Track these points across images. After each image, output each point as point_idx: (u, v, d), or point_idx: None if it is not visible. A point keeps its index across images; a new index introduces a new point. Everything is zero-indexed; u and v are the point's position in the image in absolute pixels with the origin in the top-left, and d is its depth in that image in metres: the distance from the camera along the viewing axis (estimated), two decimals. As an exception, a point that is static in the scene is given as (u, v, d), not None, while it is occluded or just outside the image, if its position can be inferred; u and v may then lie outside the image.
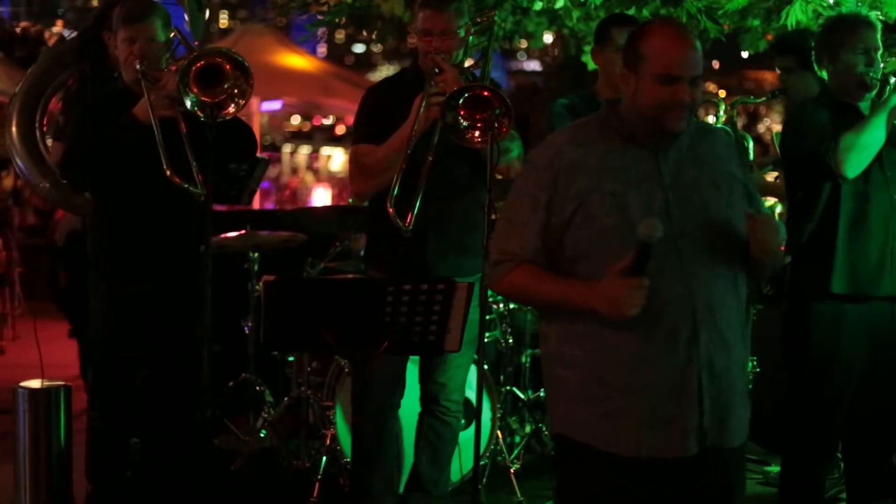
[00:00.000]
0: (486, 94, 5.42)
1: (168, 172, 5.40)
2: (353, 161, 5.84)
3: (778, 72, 7.08)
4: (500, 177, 5.71)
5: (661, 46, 3.78)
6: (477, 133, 5.41)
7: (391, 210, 5.38)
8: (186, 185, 5.42)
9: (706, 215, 3.81)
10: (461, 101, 5.39)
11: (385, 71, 40.88)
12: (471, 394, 6.28)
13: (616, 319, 3.66)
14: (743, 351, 3.94)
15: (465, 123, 5.41)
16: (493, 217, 5.25)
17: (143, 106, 5.57)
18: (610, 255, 3.70)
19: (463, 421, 6.21)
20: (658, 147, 3.84)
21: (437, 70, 5.56)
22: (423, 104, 5.46)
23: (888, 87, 5.48)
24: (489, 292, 6.45)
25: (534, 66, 36.16)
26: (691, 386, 3.76)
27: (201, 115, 5.50)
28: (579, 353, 3.83)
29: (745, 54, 8.69)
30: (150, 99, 5.52)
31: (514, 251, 3.86)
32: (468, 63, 6.01)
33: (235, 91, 5.59)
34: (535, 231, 3.83)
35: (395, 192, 5.40)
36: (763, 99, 8.29)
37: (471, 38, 5.90)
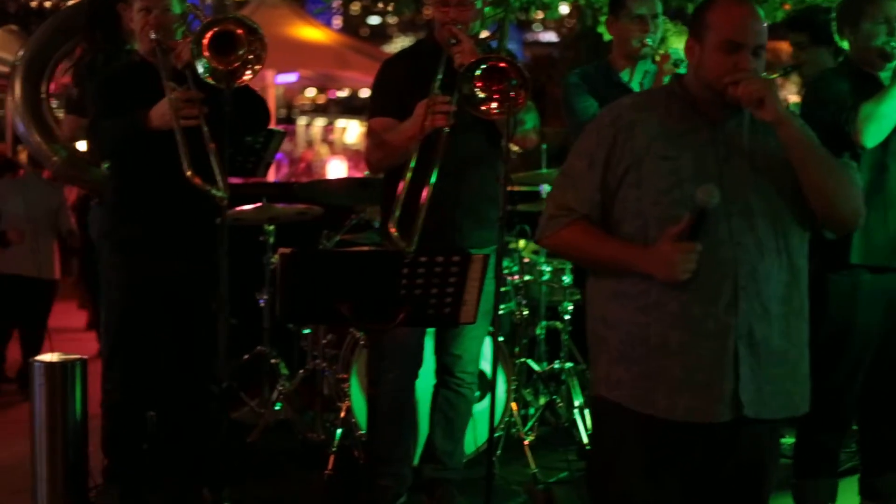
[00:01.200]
0: (503, 65, 5.40)
1: (189, 174, 5.40)
2: (369, 135, 5.82)
3: (792, 47, 7.03)
4: (515, 148, 5.69)
5: (726, 14, 3.85)
6: (494, 105, 5.40)
7: (393, 231, 5.34)
8: (208, 188, 5.43)
9: (758, 187, 3.84)
10: (478, 72, 5.36)
11: (400, 43, 40.72)
12: (486, 366, 6.28)
13: (668, 282, 3.74)
14: (796, 324, 3.92)
15: (482, 95, 5.39)
16: (510, 189, 5.25)
17: (161, 112, 5.55)
18: (659, 217, 3.78)
19: (478, 393, 6.21)
20: (717, 118, 3.89)
21: (453, 41, 5.53)
22: (428, 111, 5.42)
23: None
24: (505, 263, 6.46)
25: (550, 37, 35.95)
26: (728, 352, 3.78)
27: (213, 81, 5.50)
28: (622, 313, 3.88)
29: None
30: (172, 105, 5.51)
31: (569, 205, 3.92)
32: (484, 34, 5.98)
33: (250, 56, 5.59)
34: (594, 186, 3.88)
35: (398, 213, 5.38)
36: (776, 74, 8.24)
37: (486, 9, 5.85)
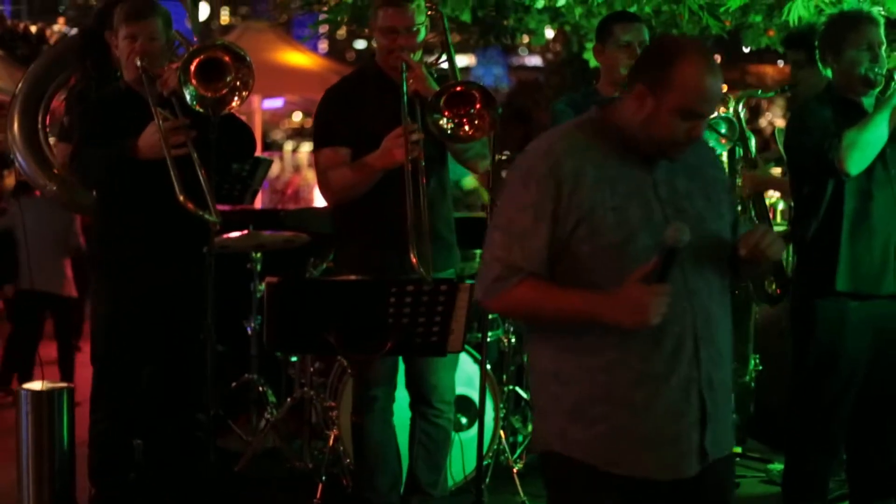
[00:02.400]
0: (459, 88, 5.46)
1: (181, 199, 5.41)
2: (321, 168, 5.76)
3: (785, 69, 7.08)
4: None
5: (693, 82, 3.61)
6: (466, 127, 5.45)
7: (415, 260, 5.36)
8: (201, 213, 5.44)
9: (701, 227, 3.69)
10: (441, 104, 5.39)
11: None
12: (473, 393, 6.27)
13: (637, 328, 3.53)
14: (731, 360, 3.88)
15: (453, 124, 5.43)
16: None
17: (149, 142, 5.56)
18: (614, 271, 3.59)
19: (465, 420, 6.20)
20: (652, 158, 3.72)
21: (404, 67, 5.54)
22: (406, 142, 5.41)
23: (892, 84, 5.46)
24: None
25: (535, 61, 36.03)
26: (694, 404, 3.67)
27: (201, 109, 5.52)
28: (578, 370, 3.69)
29: (746, 49, 8.67)
30: (161, 132, 5.52)
31: (517, 264, 3.65)
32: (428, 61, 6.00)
33: (238, 83, 5.63)
34: (542, 243, 3.64)
35: (416, 241, 5.41)
36: (772, 93, 8.30)
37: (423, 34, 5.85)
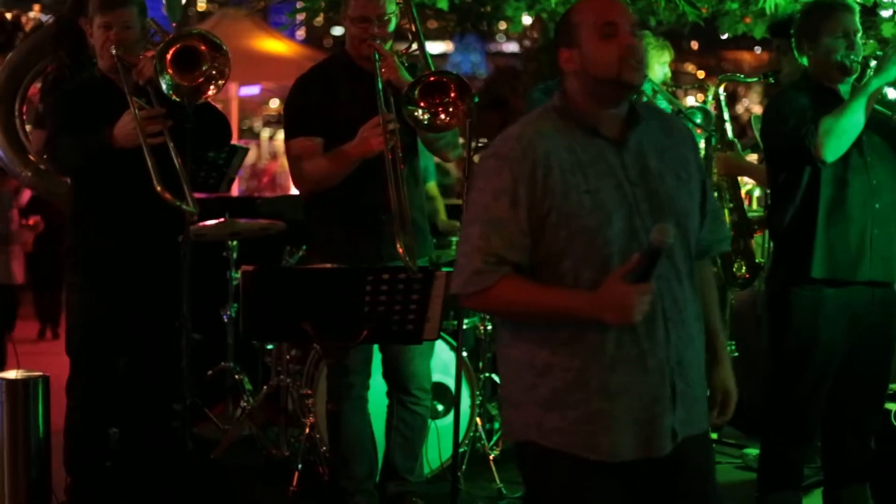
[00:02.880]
0: (433, 79, 5.48)
1: (159, 189, 5.39)
2: (293, 157, 5.76)
3: (766, 53, 7.11)
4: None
5: (590, 4, 3.70)
6: (442, 116, 5.45)
7: (401, 250, 5.36)
8: (178, 203, 5.42)
9: (671, 208, 3.68)
10: (416, 95, 5.40)
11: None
12: (449, 381, 6.28)
13: (620, 325, 3.56)
14: (701, 340, 3.86)
15: (429, 114, 5.44)
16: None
17: (124, 131, 5.55)
18: (591, 255, 3.60)
19: (442, 408, 6.21)
20: (619, 138, 3.71)
21: (376, 56, 5.54)
22: (379, 131, 5.43)
23: (868, 71, 5.47)
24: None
25: (513, 47, 35.99)
26: (665, 386, 3.68)
27: (177, 98, 5.50)
28: (554, 359, 3.69)
29: (723, 35, 8.68)
30: (137, 121, 5.51)
31: (497, 252, 3.62)
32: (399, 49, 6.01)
33: (213, 72, 5.62)
34: (521, 228, 3.62)
35: (400, 230, 5.42)
36: (755, 79, 8.31)
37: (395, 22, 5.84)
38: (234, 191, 14.02)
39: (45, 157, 6.10)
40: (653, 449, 3.70)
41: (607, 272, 3.56)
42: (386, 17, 5.60)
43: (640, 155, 3.71)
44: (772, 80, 7.15)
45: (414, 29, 6.01)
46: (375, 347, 5.86)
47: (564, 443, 3.70)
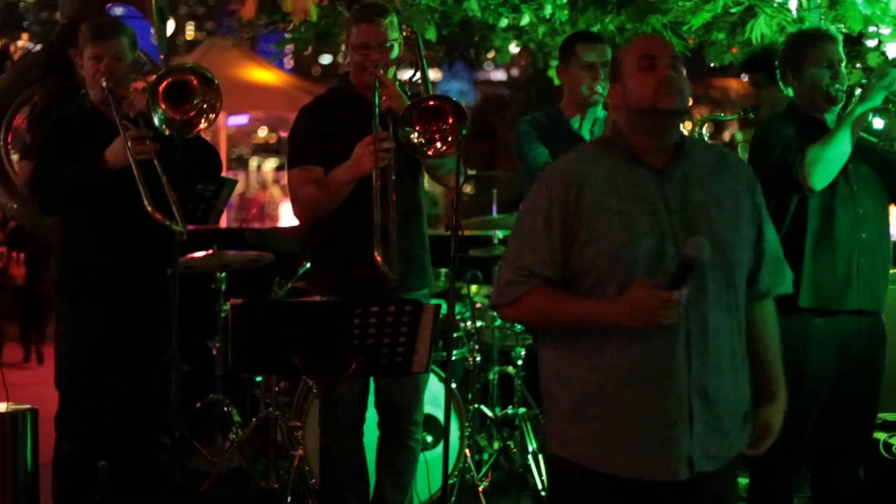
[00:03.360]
0: (432, 103, 5.45)
1: (150, 209, 5.39)
2: (294, 186, 5.75)
3: (750, 86, 7.12)
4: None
5: (635, 42, 4.03)
6: (438, 144, 5.43)
7: (379, 259, 5.36)
8: (168, 223, 5.42)
9: (712, 238, 3.71)
10: (412, 118, 5.39)
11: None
12: (438, 412, 6.27)
13: (638, 328, 3.66)
14: (744, 376, 3.92)
15: (423, 139, 5.42)
16: (460, 234, 5.28)
17: (116, 150, 5.56)
18: (617, 276, 3.73)
19: (431, 439, 6.20)
20: (664, 168, 3.85)
21: (377, 83, 5.54)
22: (376, 150, 5.42)
23: (853, 100, 5.50)
24: (457, 308, 6.46)
25: (500, 75, 36.08)
26: (684, 410, 3.75)
27: (169, 131, 5.51)
28: (575, 372, 3.83)
29: (710, 63, 8.71)
30: (128, 141, 5.52)
31: (530, 268, 3.81)
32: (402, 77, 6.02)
33: (205, 106, 5.62)
34: (553, 247, 3.80)
35: (380, 240, 5.40)
36: (736, 115, 8.34)
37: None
38: (223, 222, 14.03)
39: (31, 189, 6.07)
40: (666, 472, 3.78)
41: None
42: (388, 44, 5.59)
43: (684, 186, 3.85)
44: (751, 116, 7.18)
45: (417, 59, 6.03)
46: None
47: (581, 455, 3.84)
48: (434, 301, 5.14)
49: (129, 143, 5.53)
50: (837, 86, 5.49)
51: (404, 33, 5.97)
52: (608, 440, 3.79)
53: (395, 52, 5.65)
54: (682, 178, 3.86)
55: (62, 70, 6.56)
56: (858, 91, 5.50)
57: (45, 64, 6.75)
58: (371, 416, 5.91)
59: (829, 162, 5.32)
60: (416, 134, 5.41)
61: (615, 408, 3.77)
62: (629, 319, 3.66)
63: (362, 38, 5.60)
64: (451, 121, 5.42)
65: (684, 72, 3.93)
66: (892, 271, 5.79)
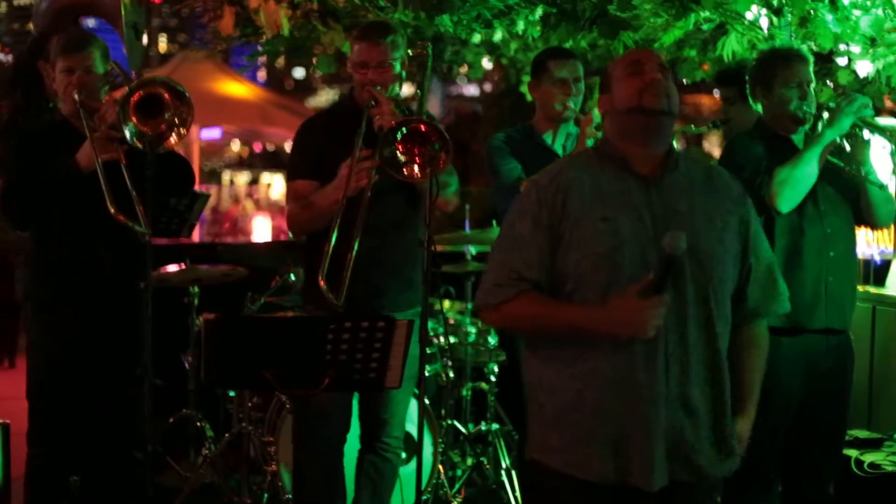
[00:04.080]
0: (423, 128, 5.43)
1: (112, 211, 5.39)
2: (290, 199, 5.79)
3: (721, 101, 7.15)
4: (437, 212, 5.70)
5: (624, 57, 4.09)
6: (416, 167, 5.42)
7: (323, 284, 5.35)
8: (131, 224, 5.41)
9: (694, 248, 3.78)
10: (399, 136, 5.39)
11: (326, 95, 40.78)
12: (412, 428, 6.27)
13: (631, 339, 3.71)
14: (722, 385, 3.94)
15: (403, 158, 5.42)
16: (434, 249, 5.28)
17: (86, 152, 5.56)
18: (601, 280, 3.77)
19: (404, 455, 6.20)
20: (651, 176, 3.89)
21: (373, 102, 5.56)
22: (351, 171, 5.43)
23: (821, 122, 5.53)
24: (430, 324, 6.46)
25: (473, 90, 36.12)
26: (661, 420, 3.78)
27: (140, 145, 5.50)
28: (557, 379, 3.87)
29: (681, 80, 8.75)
30: (93, 142, 5.51)
31: (517, 270, 3.85)
32: (406, 93, 6.02)
33: (176, 120, 5.62)
34: (541, 249, 3.84)
35: (327, 267, 5.38)
36: (705, 128, 8.38)
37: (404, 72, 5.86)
38: (196, 236, 14.00)
39: (4, 201, 6.03)
40: (642, 479, 3.80)
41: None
42: (387, 64, 5.61)
43: (671, 195, 3.89)
44: (720, 125, 7.22)
45: (420, 80, 6.05)
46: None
47: (559, 461, 3.88)
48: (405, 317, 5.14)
49: (96, 143, 5.52)
50: (805, 107, 5.53)
51: (416, 53, 6.01)
52: (587, 446, 3.83)
53: (396, 71, 5.67)
54: (670, 187, 3.91)
55: (29, 83, 6.53)
56: (826, 114, 5.54)
57: (12, 77, 6.71)
58: (352, 428, 5.92)
59: (796, 185, 5.34)
60: (398, 152, 5.41)
61: (594, 415, 3.81)
62: (618, 329, 3.71)
63: (361, 56, 5.62)
64: (434, 148, 5.40)
65: (671, 79, 3.99)
66: (859, 289, 5.84)
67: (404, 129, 5.40)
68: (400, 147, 5.41)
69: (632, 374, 3.77)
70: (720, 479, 4.07)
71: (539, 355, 3.96)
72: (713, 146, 27.05)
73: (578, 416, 3.84)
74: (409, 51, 5.93)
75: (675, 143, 6.96)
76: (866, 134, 5.50)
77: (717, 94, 7.28)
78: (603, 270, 3.78)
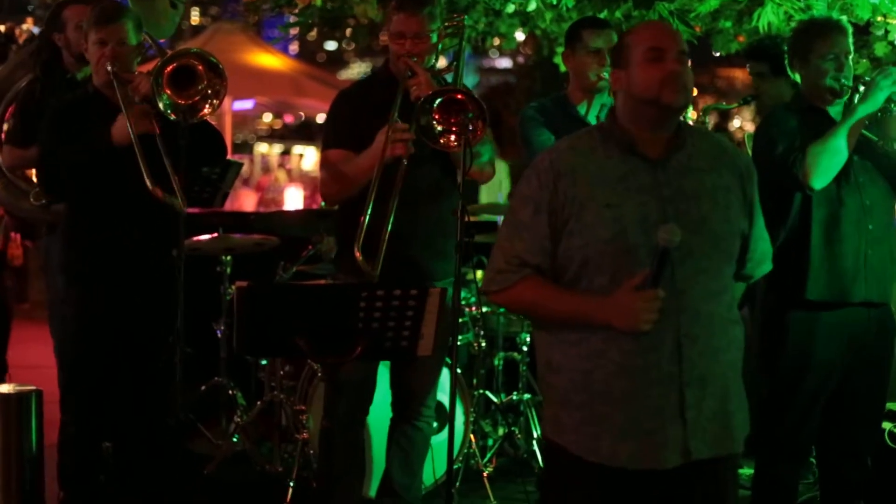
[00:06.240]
0: (459, 97, 5.41)
1: (150, 186, 5.39)
2: (324, 167, 5.78)
3: (751, 77, 7.10)
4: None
5: (643, 30, 3.98)
6: (452, 137, 5.40)
7: (359, 255, 5.33)
8: (168, 199, 5.42)
9: (703, 227, 3.81)
10: (436, 105, 5.38)
11: (357, 68, 40.81)
12: (444, 397, 6.28)
13: (630, 333, 3.71)
14: (735, 353, 3.95)
15: (439, 128, 5.40)
16: (466, 219, 5.26)
17: (121, 126, 5.56)
18: (603, 266, 3.77)
19: (436, 424, 6.20)
20: (659, 157, 3.85)
21: (409, 73, 5.54)
22: (388, 139, 5.40)
23: (856, 96, 5.48)
24: (462, 294, 6.45)
25: (506, 63, 36.06)
26: (671, 399, 3.77)
27: (174, 116, 5.52)
28: (565, 359, 3.87)
29: (716, 52, 8.70)
30: (129, 116, 5.52)
31: (520, 256, 3.87)
32: (441, 64, 6.00)
33: (209, 91, 5.64)
34: (543, 234, 3.84)
35: (362, 238, 5.36)
36: (735, 105, 8.34)
37: (442, 42, 5.85)
38: (245, 205, 13.99)
39: (38, 172, 6.07)
40: (655, 460, 3.80)
41: (620, 281, 3.71)
42: (424, 35, 5.57)
43: (679, 176, 3.86)
44: (751, 101, 7.17)
45: (457, 50, 6.03)
46: (383, 364, 5.85)
47: (569, 441, 3.88)
48: (440, 285, 5.12)
49: (132, 118, 5.53)
50: (842, 79, 5.48)
51: (451, 24, 5.99)
52: (594, 429, 3.83)
53: (434, 41, 5.64)
54: (678, 166, 3.88)
55: (48, 57, 6.56)
56: (862, 87, 5.48)
57: (34, 52, 6.73)
58: (383, 397, 5.92)
59: (828, 161, 5.30)
60: (434, 121, 5.40)
61: (601, 397, 3.81)
62: (614, 321, 3.72)
63: (399, 27, 5.60)
64: (470, 118, 5.38)
65: (689, 63, 3.94)
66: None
67: (441, 99, 5.39)
68: (437, 116, 5.40)
69: (640, 356, 3.77)
70: (739, 454, 4.05)
71: (547, 335, 3.97)
72: (745, 121, 26.95)
73: (585, 397, 3.84)
74: (447, 21, 5.91)
75: (706, 119, 6.97)
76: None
77: (748, 69, 7.20)
78: (608, 256, 3.77)
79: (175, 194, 5.46)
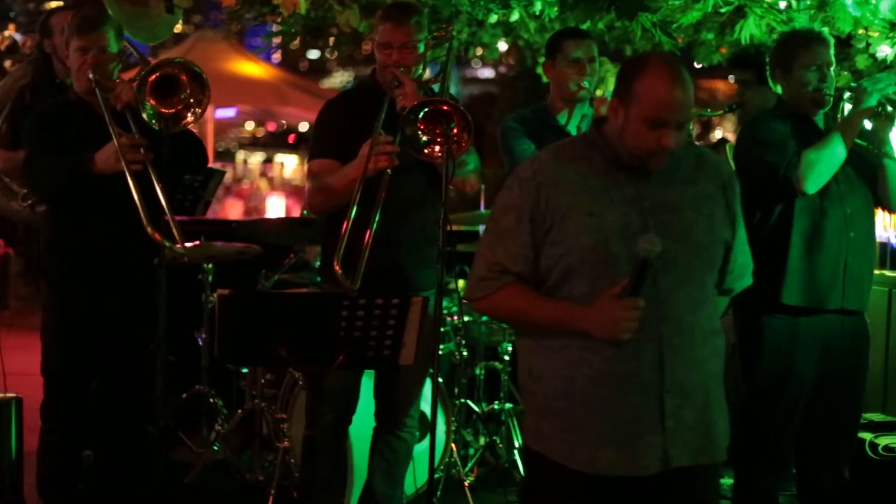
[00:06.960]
0: (445, 108, 5.41)
1: (149, 230, 5.38)
2: (310, 177, 5.76)
3: (736, 85, 7.12)
4: (453, 190, 5.67)
5: (655, 89, 3.74)
6: (437, 148, 5.39)
7: (338, 269, 5.32)
8: (168, 245, 5.41)
9: (686, 238, 3.82)
10: (421, 115, 5.38)
11: (340, 77, 40.74)
12: (425, 407, 6.27)
13: (609, 342, 3.69)
14: (717, 362, 3.96)
15: (424, 138, 5.40)
16: (449, 228, 5.26)
17: (107, 156, 5.55)
18: (584, 275, 3.77)
19: (417, 434, 6.20)
20: (641, 168, 3.84)
21: (396, 83, 5.54)
22: (371, 152, 5.39)
23: (841, 104, 5.51)
24: (444, 303, 6.45)
25: (488, 73, 36.03)
26: (651, 407, 3.78)
27: (157, 125, 5.52)
28: (546, 367, 3.87)
29: (697, 64, 8.71)
30: (119, 149, 5.51)
31: (501, 264, 3.87)
32: (427, 75, 5.99)
33: (192, 101, 5.64)
34: (525, 242, 3.84)
35: (343, 250, 5.36)
36: (720, 112, 8.35)
37: (429, 52, 5.85)
38: (231, 213, 13.98)
39: (22, 177, 6.09)
40: (635, 467, 3.80)
41: (600, 290, 3.70)
42: (411, 45, 5.57)
43: (662, 187, 3.85)
44: (736, 109, 7.20)
45: (447, 59, 6.03)
46: (367, 373, 5.85)
47: (549, 449, 3.89)
48: (423, 294, 5.12)
49: (122, 150, 5.52)
50: (825, 89, 5.51)
51: (439, 35, 5.99)
52: (574, 436, 3.83)
53: (421, 51, 5.63)
54: (661, 179, 3.87)
55: (39, 64, 6.58)
56: (847, 94, 5.51)
57: (32, 59, 6.77)
58: (365, 407, 5.91)
59: (824, 167, 5.34)
60: (419, 131, 5.40)
61: (582, 404, 3.81)
62: (594, 330, 3.71)
63: (386, 37, 5.59)
64: (454, 130, 5.38)
65: (687, 127, 3.95)
66: (875, 273, 5.82)
67: (427, 109, 5.39)
68: (422, 126, 5.39)
69: (621, 364, 3.77)
70: (720, 463, 4.05)
71: (529, 342, 3.97)
72: (727, 131, 26.99)
73: (566, 404, 3.84)
74: (435, 32, 5.91)
75: (690, 129, 6.98)
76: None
77: (731, 78, 7.23)
78: (590, 264, 3.78)
79: (172, 237, 5.44)
